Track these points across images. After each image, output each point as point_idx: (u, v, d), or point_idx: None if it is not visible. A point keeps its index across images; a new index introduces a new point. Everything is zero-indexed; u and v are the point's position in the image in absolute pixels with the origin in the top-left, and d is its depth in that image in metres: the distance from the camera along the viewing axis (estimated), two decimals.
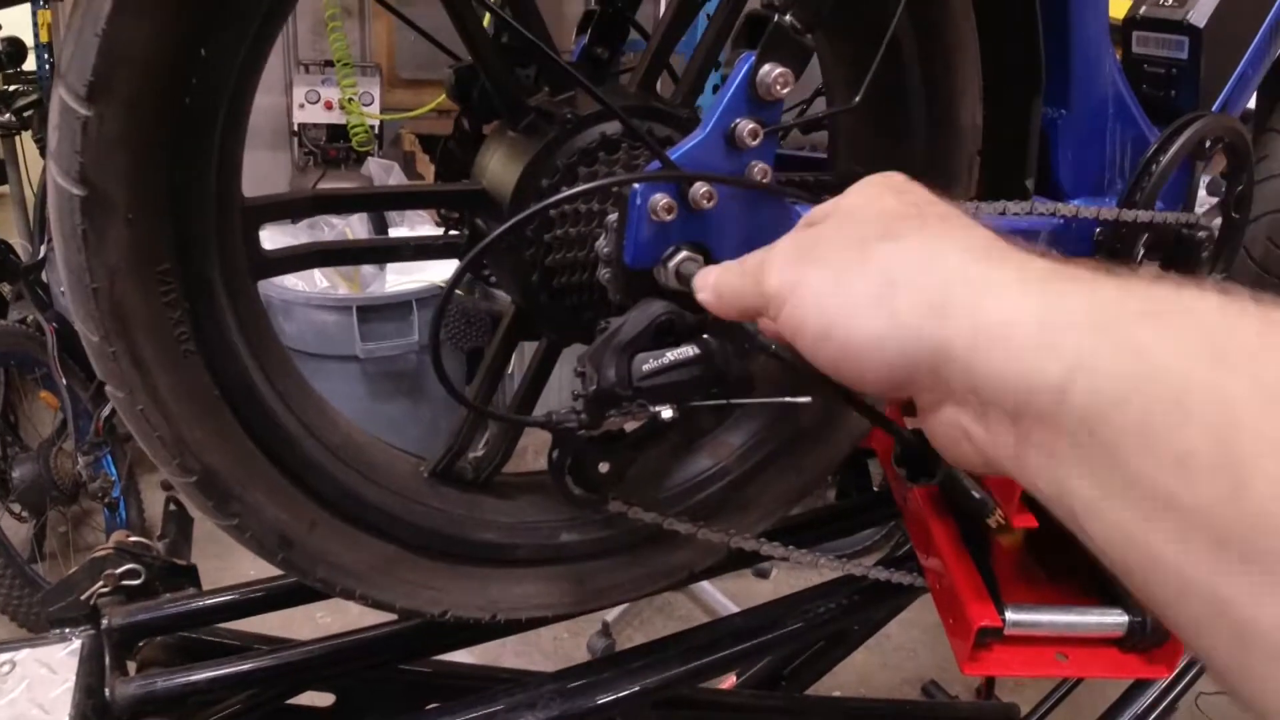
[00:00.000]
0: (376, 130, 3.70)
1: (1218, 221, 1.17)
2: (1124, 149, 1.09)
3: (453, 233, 0.76)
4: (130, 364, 0.60)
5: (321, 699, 1.06)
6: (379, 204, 0.67)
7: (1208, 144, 1.08)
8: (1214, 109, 1.16)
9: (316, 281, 2.69)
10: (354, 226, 2.82)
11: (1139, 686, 1.12)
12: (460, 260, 0.50)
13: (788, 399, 0.56)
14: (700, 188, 0.55)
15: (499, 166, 0.67)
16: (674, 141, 0.60)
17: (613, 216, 0.56)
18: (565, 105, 0.65)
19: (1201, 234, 1.05)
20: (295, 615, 1.06)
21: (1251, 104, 1.44)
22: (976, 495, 0.56)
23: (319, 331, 2.56)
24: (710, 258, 0.58)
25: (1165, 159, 1.03)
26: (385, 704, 1.09)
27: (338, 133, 3.70)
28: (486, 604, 0.77)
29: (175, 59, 0.54)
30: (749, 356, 0.58)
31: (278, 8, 0.58)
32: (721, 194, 0.56)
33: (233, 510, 0.66)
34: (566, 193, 0.49)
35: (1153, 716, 1.12)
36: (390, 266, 2.72)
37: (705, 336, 0.57)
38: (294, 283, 2.65)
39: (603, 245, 0.57)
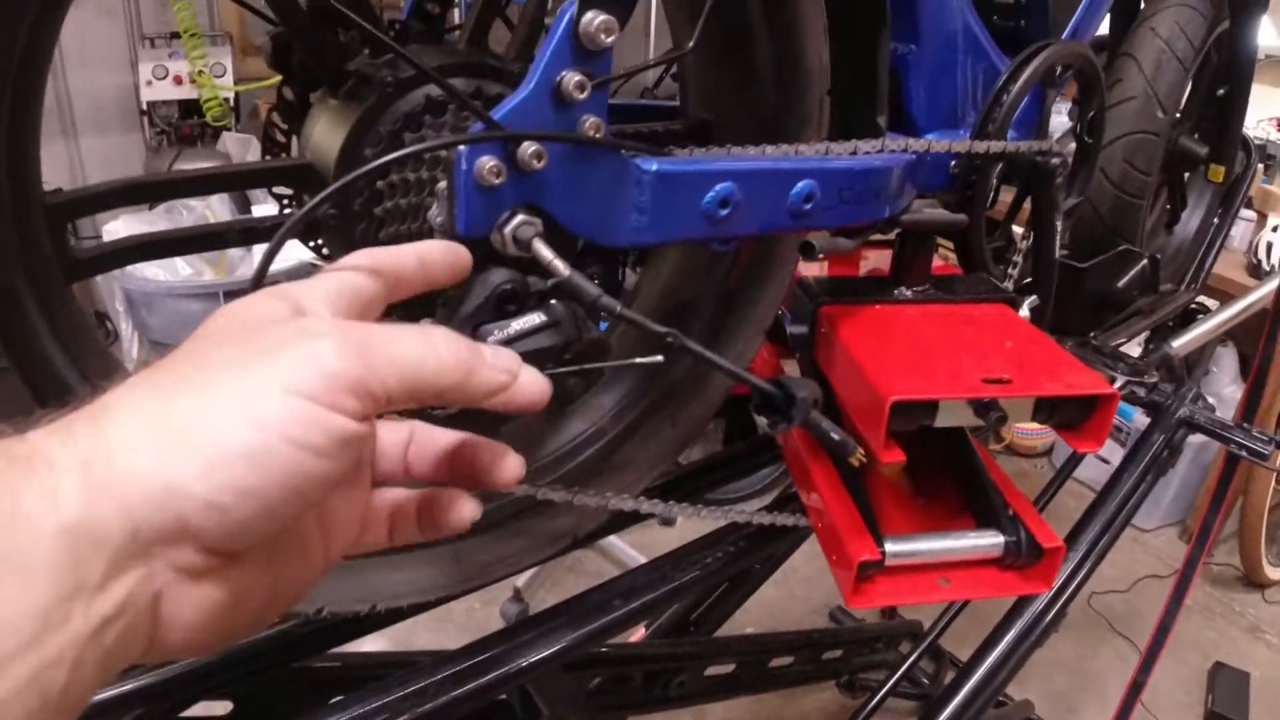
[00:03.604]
0: (232, 103, 3.51)
1: (1072, 147, 1.20)
2: (975, 81, 1.10)
3: (288, 210, 0.72)
4: None
5: (219, 707, 1.02)
6: (197, 188, 0.61)
7: (1057, 71, 1.10)
8: (1063, 36, 1.19)
9: (179, 270, 2.55)
10: (214, 208, 2.67)
11: (1026, 599, 1.17)
12: (272, 239, 0.46)
13: (639, 360, 0.54)
14: (529, 147, 0.52)
15: (321, 137, 0.63)
16: (505, 99, 0.57)
17: (442, 184, 0.53)
18: (386, 68, 0.61)
19: (1055, 160, 1.07)
20: None
21: (1105, 29, 1.49)
22: (837, 437, 0.56)
23: (186, 322, 2.42)
24: (548, 220, 0.55)
25: (1015, 88, 1.04)
26: (285, 705, 1.06)
27: (191, 108, 3.50)
28: (364, 595, 0.75)
29: None
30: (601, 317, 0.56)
31: None
32: (553, 153, 0.53)
33: None
34: (374, 163, 0.46)
35: (1044, 623, 1.16)
36: (258, 247, 2.59)
37: (552, 302, 0.55)
38: (155, 273, 2.51)
39: (434, 215, 0.54)
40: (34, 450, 0.30)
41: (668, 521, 2.62)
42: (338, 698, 0.88)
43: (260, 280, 0.47)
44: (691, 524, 0.93)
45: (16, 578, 0.27)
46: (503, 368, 0.40)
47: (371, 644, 1.13)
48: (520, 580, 2.42)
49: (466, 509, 0.44)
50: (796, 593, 2.53)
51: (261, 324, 0.36)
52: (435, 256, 0.45)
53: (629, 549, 2.51)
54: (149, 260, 0.69)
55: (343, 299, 0.40)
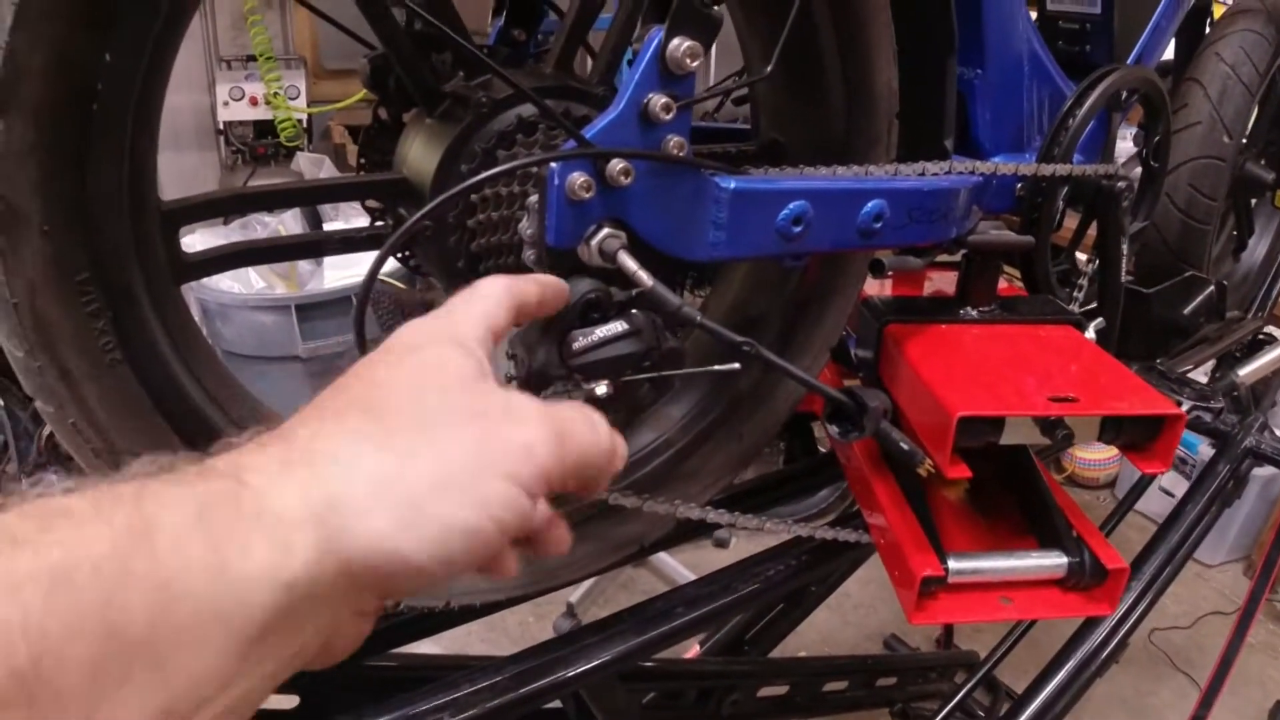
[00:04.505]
0: (305, 124, 3.64)
1: (1138, 171, 1.20)
2: (1041, 105, 1.11)
3: (379, 223, 0.76)
4: (57, 377, 0.59)
5: (285, 701, 1.06)
6: (298, 199, 0.66)
7: (1123, 96, 1.10)
8: (1129, 61, 1.19)
9: (252, 282, 2.64)
10: (286, 223, 2.77)
11: (1089, 625, 1.16)
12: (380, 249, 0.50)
13: (717, 367, 0.57)
14: (617, 164, 0.55)
15: (418, 155, 0.66)
16: (591, 120, 0.60)
17: (533, 198, 0.57)
18: (481, 89, 0.64)
19: (1121, 184, 1.07)
20: None
21: (1170, 54, 1.49)
22: (906, 446, 0.57)
23: (258, 333, 2.51)
24: (632, 233, 0.58)
25: (1081, 112, 1.05)
26: (350, 700, 1.09)
27: (265, 129, 3.63)
28: (440, 592, 0.78)
29: (79, 66, 0.53)
30: (677, 329, 0.58)
31: (180, 6, 0.57)
32: (639, 170, 0.56)
33: None
34: (478, 177, 0.49)
35: (1104, 653, 1.15)
36: (328, 262, 2.68)
37: (633, 311, 0.58)
38: (229, 284, 2.60)
39: (525, 227, 0.58)
40: (261, 503, 0.32)
41: (721, 543, 2.62)
42: (400, 695, 0.91)
43: (368, 290, 0.51)
44: (745, 545, 0.95)
45: (222, 626, 0.30)
46: (622, 452, 0.43)
47: (427, 650, 1.16)
48: (574, 595, 2.45)
49: (563, 536, 0.46)
50: (850, 619, 2.52)
51: (463, 383, 0.39)
52: (551, 289, 0.50)
53: (681, 568, 2.51)
54: (251, 265, 0.73)
55: (488, 330, 0.44)
